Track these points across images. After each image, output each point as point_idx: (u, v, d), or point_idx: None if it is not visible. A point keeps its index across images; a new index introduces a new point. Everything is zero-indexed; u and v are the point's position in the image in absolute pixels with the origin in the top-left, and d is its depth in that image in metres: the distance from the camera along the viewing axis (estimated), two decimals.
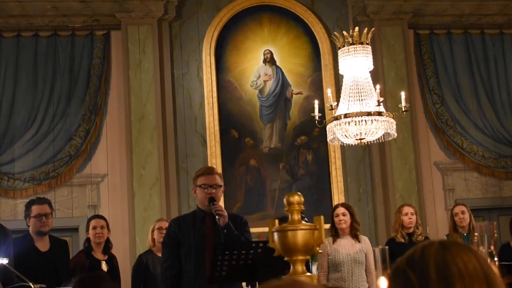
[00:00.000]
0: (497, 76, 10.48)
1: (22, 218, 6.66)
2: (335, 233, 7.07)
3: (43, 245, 6.26)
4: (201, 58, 9.90)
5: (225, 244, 4.92)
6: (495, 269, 1.51)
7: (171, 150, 9.58)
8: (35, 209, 6.22)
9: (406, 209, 7.39)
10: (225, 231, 5.05)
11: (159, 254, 6.55)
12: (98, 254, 6.86)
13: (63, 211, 9.32)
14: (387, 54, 10.05)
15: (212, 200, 5.19)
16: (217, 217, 5.08)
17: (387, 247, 5.00)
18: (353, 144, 7.79)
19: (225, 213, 5.18)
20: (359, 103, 7.46)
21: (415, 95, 10.16)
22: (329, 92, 8.01)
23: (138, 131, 9.44)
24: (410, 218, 7.32)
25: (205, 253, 5.12)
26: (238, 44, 10.08)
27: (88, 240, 6.93)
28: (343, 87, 7.73)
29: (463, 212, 7.52)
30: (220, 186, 5.36)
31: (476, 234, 6.93)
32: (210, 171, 5.53)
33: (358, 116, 7.36)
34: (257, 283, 5.04)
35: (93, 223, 6.96)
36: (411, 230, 7.33)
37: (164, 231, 6.35)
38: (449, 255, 1.58)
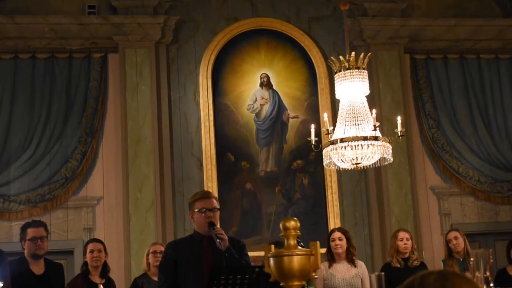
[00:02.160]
0: (493, 100, 10.51)
1: (17, 240, 6.64)
2: (331, 257, 7.06)
3: (38, 268, 6.23)
4: (198, 81, 9.93)
5: (222, 268, 4.90)
6: None
7: (167, 173, 9.57)
8: (30, 232, 6.20)
9: (402, 235, 7.37)
10: (226, 254, 5.03)
11: (155, 278, 6.53)
12: (95, 277, 6.83)
13: (59, 234, 9.29)
14: (384, 78, 10.09)
15: (212, 224, 5.17)
16: (218, 240, 5.06)
17: (383, 273, 4.99)
18: (349, 168, 7.79)
19: (226, 237, 5.17)
20: (355, 127, 7.47)
21: (411, 120, 10.19)
22: (325, 116, 8.03)
23: (134, 154, 9.44)
24: (405, 244, 7.30)
25: (203, 277, 5.09)
26: (235, 68, 10.11)
27: (85, 263, 6.91)
28: (339, 112, 7.75)
29: (456, 238, 7.52)
30: (218, 209, 5.36)
31: (472, 259, 6.91)
32: (207, 195, 5.52)
33: (354, 141, 7.37)
34: None
35: (90, 246, 6.93)
36: (406, 255, 7.31)
37: (159, 255, 6.33)
38: (448, 286, 1.58)
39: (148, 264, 7.09)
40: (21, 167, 9.39)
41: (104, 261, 6.94)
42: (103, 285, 6.66)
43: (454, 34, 10.52)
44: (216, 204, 5.33)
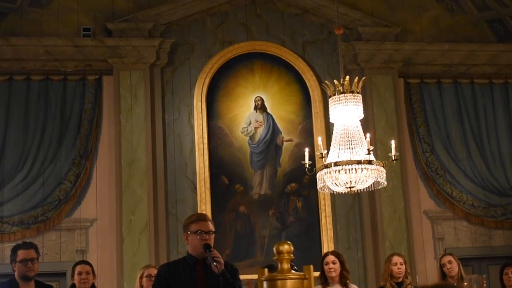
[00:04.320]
0: (487, 125, 10.54)
1: (9, 262, 6.61)
2: (324, 281, 7.03)
3: None
4: (193, 104, 9.94)
5: None
6: None
7: (161, 195, 9.56)
8: (21, 253, 6.17)
9: (395, 259, 7.35)
10: (220, 278, 5.00)
11: None
12: None
13: (51, 256, 9.26)
14: (378, 102, 10.12)
15: (209, 247, 5.14)
16: (214, 263, 5.03)
17: None
18: (343, 192, 7.78)
19: (222, 261, 5.14)
20: (349, 151, 7.47)
21: (405, 144, 10.21)
22: (319, 139, 8.03)
23: (128, 176, 9.43)
24: (399, 268, 7.28)
25: None
26: (230, 91, 10.13)
27: (73, 286, 6.89)
28: (333, 135, 7.75)
29: (450, 262, 7.51)
30: (214, 232, 5.34)
31: (465, 284, 6.89)
32: (204, 217, 5.50)
33: (348, 165, 7.36)
34: None
35: (78, 268, 6.92)
36: (400, 280, 7.29)
37: (154, 278, 6.30)
38: None
39: (142, 286, 7.06)
40: (15, 189, 9.37)
41: (92, 283, 6.93)
42: None
43: (448, 58, 10.57)
44: (211, 227, 5.31)
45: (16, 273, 6.21)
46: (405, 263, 7.39)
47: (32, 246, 6.33)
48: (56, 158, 9.56)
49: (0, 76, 9.69)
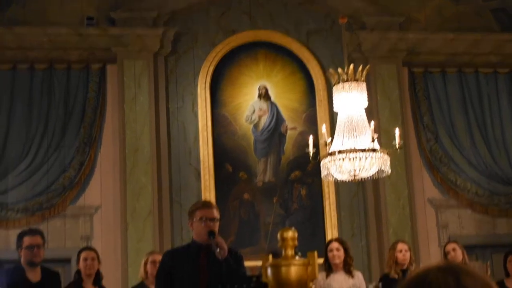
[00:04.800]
0: (491, 114, 10.53)
1: (14, 248, 6.64)
2: (328, 268, 7.06)
3: (34, 276, 6.23)
4: (196, 93, 9.94)
5: (220, 278, 4.90)
6: None
7: (165, 183, 9.58)
8: (26, 240, 6.21)
9: (400, 246, 7.37)
10: (224, 264, 5.03)
11: (152, 287, 6.52)
12: (88, 286, 6.82)
13: (56, 242, 9.28)
14: (382, 91, 10.12)
15: (213, 234, 5.16)
16: (217, 250, 5.05)
17: (381, 283, 4.98)
18: (347, 180, 7.79)
19: (226, 247, 5.16)
20: (353, 139, 7.48)
21: (409, 132, 10.21)
22: (323, 128, 8.03)
23: (132, 163, 9.45)
24: (404, 255, 7.29)
25: (199, 286, 5.09)
26: (233, 79, 10.13)
27: (78, 272, 6.91)
28: (337, 124, 7.76)
29: (454, 250, 7.52)
30: (219, 220, 5.35)
31: None
32: (209, 204, 5.52)
33: (352, 153, 7.37)
34: None
35: (83, 255, 6.94)
36: (405, 267, 7.31)
37: (158, 265, 6.32)
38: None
39: (146, 272, 7.08)
40: (19, 176, 9.40)
41: (97, 269, 6.95)
42: None
43: (452, 48, 10.55)
44: (216, 214, 5.33)
45: (22, 259, 6.24)
46: (409, 250, 7.41)
47: (38, 232, 6.36)
48: (60, 146, 9.58)
49: (4, 64, 9.69)
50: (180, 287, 5.23)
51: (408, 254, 7.33)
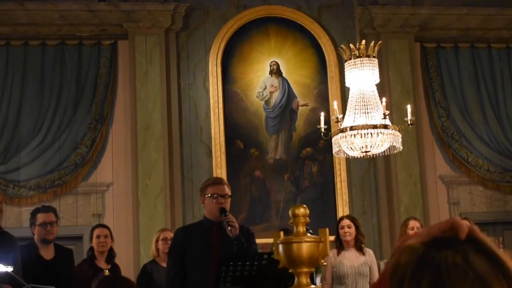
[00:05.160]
0: (503, 90, 10.48)
1: (27, 226, 6.68)
2: (339, 245, 7.07)
3: (47, 253, 6.27)
4: (208, 69, 9.92)
5: (231, 255, 4.92)
6: None
7: (177, 160, 9.59)
8: (40, 217, 6.24)
9: (412, 223, 7.37)
10: (235, 242, 5.04)
11: (164, 264, 6.55)
12: (101, 263, 6.87)
13: (68, 220, 9.32)
14: (394, 67, 10.07)
15: (224, 211, 5.17)
16: (228, 228, 5.07)
17: None
18: (359, 156, 7.79)
19: (237, 225, 5.18)
20: (365, 115, 7.47)
21: (421, 108, 10.16)
22: (335, 104, 8.02)
23: (143, 140, 9.46)
24: (416, 233, 7.29)
25: (211, 263, 5.11)
26: (245, 55, 10.10)
27: (91, 249, 6.95)
28: (349, 100, 7.75)
29: None
30: (230, 196, 5.36)
31: None
32: (220, 181, 5.53)
33: (364, 129, 7.37)
34: None
35: (96, 232, 6.97)
36: None
37: (170, 242, 6.35)
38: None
39: (157, 250, 7.11)
40: (31, 153, 9.42)
41: (110, 247, 6.98)
42: (108, 271, 6.70)
43: (465, 23, 10.47)
44: (228, 191, 5.34)
45: (35, 236, 6.28)
46: (421, 227, 7.41)
47: (51, 209, 6.40)
48: (72, 122, 9.59)
49: (16, 41, 9.69)
50: (192, 263, 5.25)
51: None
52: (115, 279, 3.61)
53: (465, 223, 1.34)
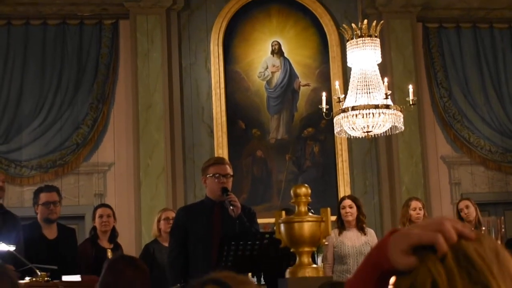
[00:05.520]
0: (505, 70, 10.45)
1: (28, 205, 6.71)
2: (341, 225, 7.09)
3: (50, 232, 6.30)
4: (209, 49, 9.90)
5: (233, 234, 4.94)
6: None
7: (178, 140, 9.59)
8: (43, 196, 6.26)
9: (414, 204, 7.38)
10: (237, 221, 5.06)
11: (166, 244, 6.58)
12: (104, 242, 6.90)
13: (70, 199, 9.33)
14: (395, 47, 10.04)
15: (226, 190, 5.19)
16: (230, 207, 5.09)
17: None
18: (360, 136, 7.79)
19: (239, 204, 5.19)
20: (366, 95, 7.47)
21: (422, 89, 10.15)
22: (336, 84, 8.02)
23: (145, 120, 9.46)
24: (418, 213, 7.30)
25: (213, 242, 5.13)
26: (246, 35, 10.07)
27: (94, 228, 6.98)
28: (351, 80, 7.74)
29: (467, 207, 7.53)
30: (232, 176, 5.37)
31: (483, 228, 6.91)
32: (222, 160, 5.55)
33: (366, 109, 7.37)
34: (262, 274, 5.06)
35: (99, 211, 7.00)
36: None
37: (172, 221, 6.37)
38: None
39: (159, 230, 7.13)
40: (33, 133, 9.43)
41: (113, 227, 7.00)
42: (111, 250, 6.73)
43: (467, 3, 10.43)
44: (230, 170, 5.36)
45: (38, 216, 6.30)
46: (423, 207, 7.42)
47: (54, 189, 6.42)
48: (73, 102, 9.59)
49: (17, 20, 9.67)
50: (194, 243, 5.27)
51: (422, 212, 7.34)
52: (131, 259, 3.61)
53: (453, 234, 1.22)
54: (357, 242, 6.98)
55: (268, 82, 9.99)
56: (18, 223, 6.05)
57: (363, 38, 7.55)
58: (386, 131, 7.70)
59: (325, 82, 9.97)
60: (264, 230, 7.06)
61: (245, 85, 9.94)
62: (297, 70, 10.05)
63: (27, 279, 5.22)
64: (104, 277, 3.42)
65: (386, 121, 7.47)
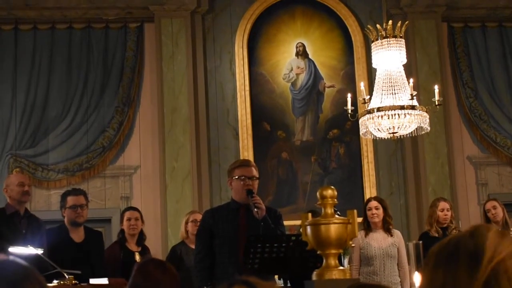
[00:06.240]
0: None
1: (55, 208, 6.76)
2: (367, 226, 7.07)
3: (77, 236, 6.33)
4: (234, 51, 9.91)
5: (259, 236, 4.94)
6: None
7: (203, 142, 9.61)
8: (70, 200, 6.30)
9: (442, 205, 7.32)
10: (262, 223, 5.06)
11: (193, 246, 6.59)
12: (132, 245, 6.92)
13: (96, 202, 9.38)
14: (421, 47, 10.00)
15: (251, 192, 5.20)
16: (255, 209, 5.09)
17: (421, 242, 4.98)
18: (386, 137, 7.76)
19: (264, 207, 5.19)
20: (392, 96, 7.44)
21: (448, 89, 10.09)
22: (361, 85, 7.99)
23: (170, 123, 9.49)
24: (445, 214, 7.26)
25: (239, 245, 5.14)
26: (271, 37, 10.07)
27: (122, 231, 7.00)
28: (376, 81, 7.71)
29: (494, 207, 7.47)
30: (257, 178, 5.38)
31: (511, 229, 6.84)
32: (247, 163, 5.55)
33: (391, 110, 7.34)
34: (288, 276, 5.06)
35: (127, 214, 7.02)
36: (445, 225, 7.28)
37: (199, 224, 6.39)
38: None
39: (187, 232, 7.15)
40: (59, 137, 9.49)
41: (141, 230, 7.03)
42: (139, 253, 6.75)
43: (493, 1, 10.36)
44: (255, 173, 5.36)
45: (65, 219, 6.34)
46: (451, 208, 7.38)
47: (81, 192, 6.45)
48: (99, 106, 9.65)
49: (43, 25, 9.74)
50: (220, 245, 5.29)
51: (449, 213, 7.29)
52: (160, 262, 3.64)
53: None
54: (384, 244, 6.96)
55: (293, 84, 9.98)
56: (42, 227, 6.09)
57: (388, 39, 7.53)
58: (412, 132, 7.66)
59: (350, 83, 9.94)
60: (289, 233, 7.05)
61: (269, 87, 9.94)
62: (321, 71, 10.04)
63: (55, 282, 5.26)
64: (133, 280, 3.44)
65: (412, 122, 7.43)
